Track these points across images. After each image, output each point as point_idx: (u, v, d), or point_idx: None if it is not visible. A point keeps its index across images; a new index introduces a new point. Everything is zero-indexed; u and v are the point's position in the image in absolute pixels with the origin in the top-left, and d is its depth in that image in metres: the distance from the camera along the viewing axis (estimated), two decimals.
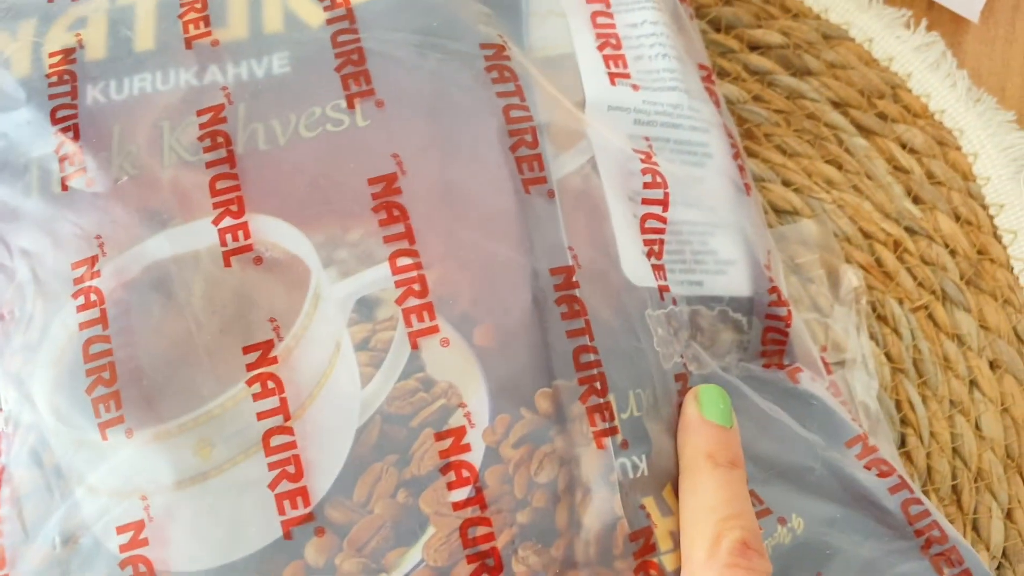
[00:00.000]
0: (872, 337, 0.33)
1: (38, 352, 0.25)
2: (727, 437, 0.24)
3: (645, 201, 0.27)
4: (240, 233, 0.24)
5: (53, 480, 0.24)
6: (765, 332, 0.29)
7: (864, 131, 0.36)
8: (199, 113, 0.26)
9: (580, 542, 0.23)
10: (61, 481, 0.24)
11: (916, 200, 0.35)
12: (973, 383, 0.33)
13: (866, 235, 0.34)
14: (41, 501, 0.24)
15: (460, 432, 0.23)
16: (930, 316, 0.34)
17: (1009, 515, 0.32)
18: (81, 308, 0.24)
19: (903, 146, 0.36)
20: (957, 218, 0.35)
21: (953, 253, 0.34)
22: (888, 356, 0.33)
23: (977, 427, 0.33)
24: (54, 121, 0.26)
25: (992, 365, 0.33)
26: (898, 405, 0.33)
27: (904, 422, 0.33)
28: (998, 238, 0.35)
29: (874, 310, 0.34)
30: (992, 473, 0.32)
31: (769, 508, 0.24)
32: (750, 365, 0.28)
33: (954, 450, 0.32)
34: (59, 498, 0.23)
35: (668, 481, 0.24)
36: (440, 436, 0.23)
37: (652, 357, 0.25)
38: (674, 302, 0.27)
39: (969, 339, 0.34)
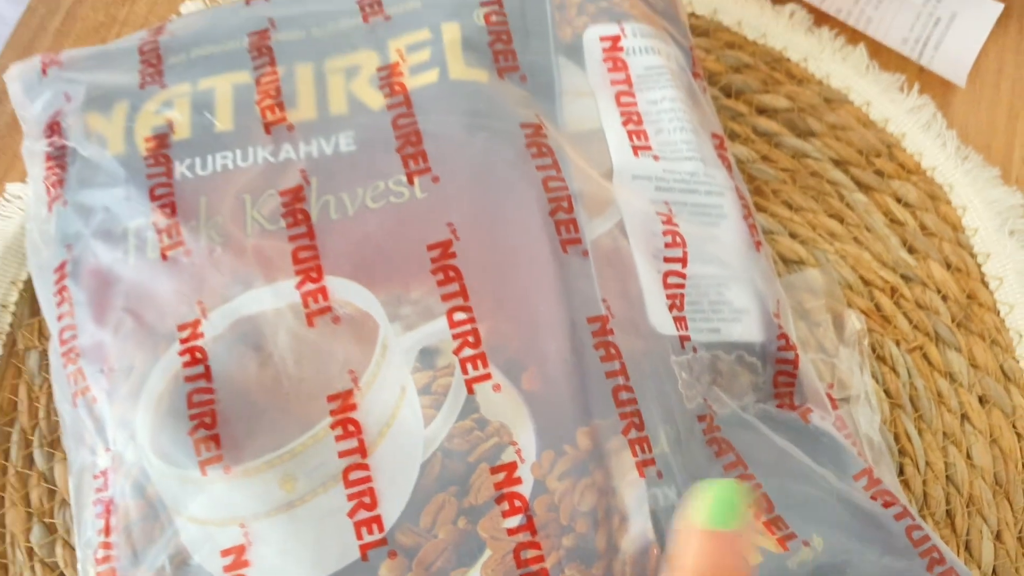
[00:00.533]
0: (873, 375, 0.36)
1: (138, 399, 0.28)
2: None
3: (667, 259, 0.31)
4: (320, 296, 0.28)
5: (157, 510, 0.27)
6: (776, 375, 0.32)
7: (863, 187, 0.39)
8: (281, 193, 0.29)
9: (618, 563, 0.26)
10: (164, 511, 0.27)
11: (911, 250, 0.39)
12: (964, 416, 0.36)
13: (866, 282, 0.38)
14: (147, 529, 0.27)
15: (512, 467, 0.27)
16: (924, 356, 0.37)
17: (999, 536, 0.35)
18: (187, 364, 0.28)
19: (898, 200, 0.39)
20: (948, 266, 0.38)
21: (945, 298, 0.38)
22: (887, 392, 0.36)
23: (968, 456, 0.36)
24: (153, 198, 0.30)
25: (981, 400, 0.37)
26: (896, 437, 0.36)
27: (902, 452, 0.36)
28: (986, 284, 0.38)
29: (874, 351, 0.37)
30: (983, 499, 0.35)
31: (794, 532, 0.27)
32: (766, 406, 0.32)
33: (948, 478, 0.36)
34: (164, 525, 0.27)
35: None
36: (495, 470, 0.27)
37: (676, 398, 0.29)
38: (694, 350, 0.30)
39: (960, 377, 0.37)
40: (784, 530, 0.27)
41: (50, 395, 0.35)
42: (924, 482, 0.35)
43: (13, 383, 0.35)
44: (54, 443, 0.34)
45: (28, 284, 0.36)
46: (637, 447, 0.27)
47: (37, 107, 0.33)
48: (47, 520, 0.33)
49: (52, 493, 0.34)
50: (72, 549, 0.33)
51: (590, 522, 0.26)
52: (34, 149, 0.33)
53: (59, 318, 0.30)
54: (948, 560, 0.28)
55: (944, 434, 0.36)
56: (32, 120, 0.33)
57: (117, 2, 0.41)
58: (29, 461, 0.34)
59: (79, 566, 0.29)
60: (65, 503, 0.33)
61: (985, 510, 0.35)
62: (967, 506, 0.35)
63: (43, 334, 0.36)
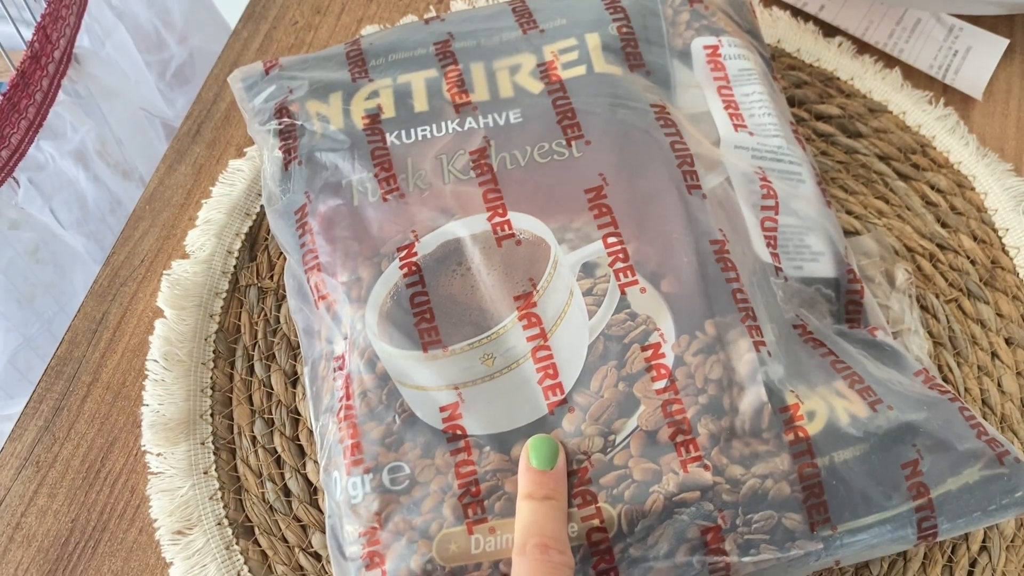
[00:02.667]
0: (919, 320, 0.45)
1: (366, 303, 0.37)
2: (544, 478, 0.33)
3: (763, 208, 0.40)
4: (505, 226, 0.37)
5: (386, 381, 0.36)
6: (847, 304, 0.41)
7: (903, 177, 0.49)
8: (470, 153, 0.39)
9: (738, 420, 0.35)
10: (390, 382, 0.36)
11: (944, 225, 0.48)
12: (994, 354, 0.45)
13: (909, 249, 0.47)
14: (378, 394, 0.36)
15: (657, 346, 0.35)
16: (959, 307, 0.46)
17: None
18: (406, 275, 0.37)
19: (932, 187, 0.48)
20: (975, 238, 0.47)
21: (973, 263, 0.47)
22: (930, 334, 0.45)
23: (999, 385, 0.44)
24: (373, 158, 0.39)
25: (1008, 342, 0.45)
26: (940, 369, 0.44)
27: (945, 380, 0.44)
28: (1006, 252, 0.47)
29: (918, 302, 0.46)
30: (1013, 417, 0.43)
31: (880, 398, 0.35)
32: (840, 327, 0.40)
33: (983, 401, 0.44)
34: (392, 391, 0.35)
35: (801, 382, 0.36)
36: (644, 348, 0.35)
37: (776, 307, 0.37)
38: (786, 279, 0.39)
39: (989, 323, 0.45)
40: (872, 397, 0.35)
41: (266, 321, 0.44)
42: None
43: (237, 311, 0.44)
44: (270, 357, 0.43)
45: (248, 236, 0.45)
46: (753, 332, 0.35)
47: (259, 100, 0.43)
48: (266, 416, 0.42)
49: (269, 395, 0.42)
50: (287, 438, 0.41)
51: (718, 387, 0.35)
52: (262, 130, 0.42)
53: (301, 245, 0.39)
54: (991, 432, 0.36)
55: (979, 367, 0.44)
56: (254, 110, 0.43)
57: (304, 29, 0.51)
58: (251, 371, 0.43)
59: (316, 430, 0.37)
60: (281, 403, 0.42)
61: (1016, 427, 0.43)
62: (1001, 424, 0.43)
63: (259, 274, 0.45)
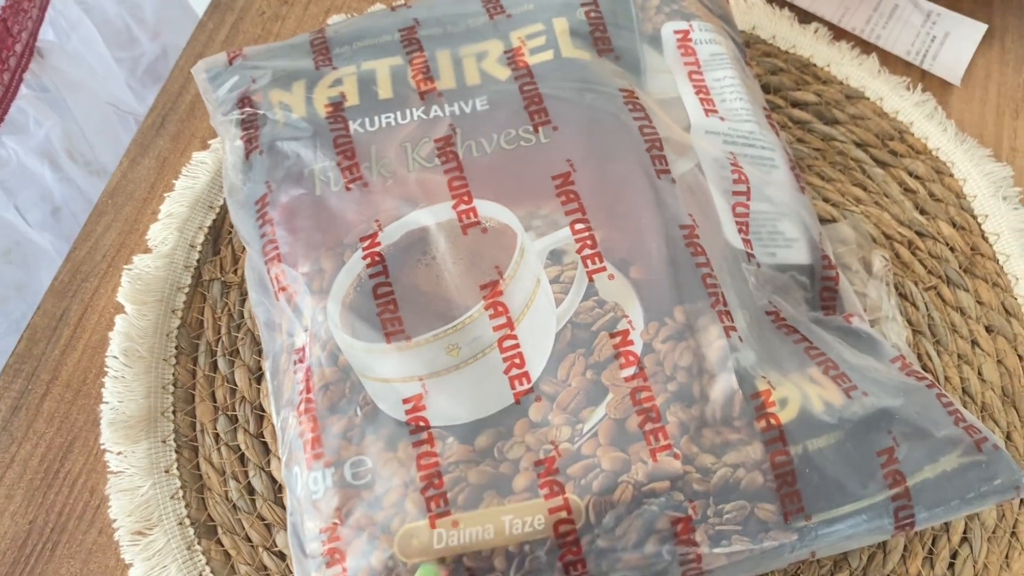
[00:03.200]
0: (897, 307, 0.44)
1: (328, 294, 0.36)
2: None
3: (735, 193, 0.39)
4: (471, 213, 0.36)
5: (348, 373, 0.35)
6: (822, 290, 0.40)
7: (880, 163, 0.48)
8: (435, 140, 0.38)
9: (709, 408, 0.34)
10: (353, 374, 0.35)
11: (922, 212, 0.47)
12: (974, 342, 0.44)
13: (887, 236, 0.46)
14: (340, 387, 0.35)
15: (625, 333, 0.34)
16: (939, 294, 0.45)
17: (1008, 437, 0.42)
18: (369, 265, 0.36)
19: (910, 174, 0.48)
20: (954, 225, 0.47)
21: (953, 249, 0.46)
22: (909, 321, 0.44)
23: (979, 374, 0.43)
24: (335, 146, 0.38)
25: (988, 329, 0.44)
26: (919, 357, 0.44)
27: (925, 369, 0.43)
28: (985, 239, 0.46)
29: (896, 290, 0.45)
30: (994, 406, 0.43)
31: (855, 384, 0.35)
32: (815, 314, 0.40)
33: (963, 390, 0.43)
34: (354, 384, 0.34)
35: (773, 368, 0.35)
36: (612, 335, 0.34)
37: (748, 294, 0.37)
38: (758, 265, 0.38)
39: (969, 311, 0.45)
40: (847, 383, 0.35)
41: (229, 316, 0.43)
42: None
43: (200, 306, 0.43)
44: (234, 353, 0.42)
45: (211, 229, 0.44)
46: (723, 317, 0.34)
47: (223, 90, 0.42)
48: (230, 413, 0.41)
49: (233, 392, 0.41)
50: (251, 435, 0.40)
51: (688, 374, 0.34)
52: (225, 120, 0.41)
53: (262, 236, 0.38)
54: (969, 419, 0.35)
55: (959, 355, 0.44)
56: (218, 100, 0.42)
57: (271, 19, 0.50)
58: (214, 367, 0.42)
59: (278, 425, 0.36)
60: (244, 400, 0.41)
61: (996, 415, 0.42)
62: (981, 412, 0.43)
63: (223, 268, 0.44)
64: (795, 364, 0.35)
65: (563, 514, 0.32)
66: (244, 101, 0.41)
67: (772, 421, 0.33)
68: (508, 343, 0.34)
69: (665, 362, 0.34)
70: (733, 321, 0.35)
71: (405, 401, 0.34)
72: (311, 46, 0.42)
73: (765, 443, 0.33)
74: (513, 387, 0.34)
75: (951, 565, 0.39)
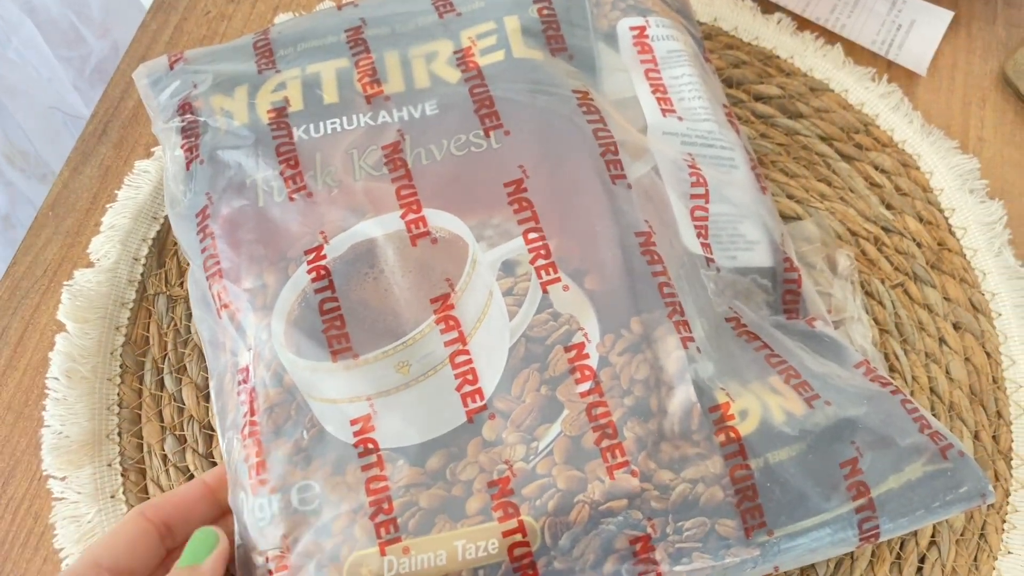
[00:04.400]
0: (863, 306, 0.43)
1: (272, 309, 0.35)
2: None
3: (693, 196, 0.38)
4: (420, 223, 0.35)
5: (293, 394, 0.33)
6: (784, 293, 0.39)
7: (846, 157, 0.47)
8: (382, 148, 0.37)
9: (667, 421, 0.33)
10: (298, 395, 0.33)
11: (888, 207, 0.46)
12: (942, 340, 0.43)
13: (852, 233, 0.45)
14: (285, 409, 0.33)
15: (580, 346, 0.33)
16: (906, 291, 0.44)
17: (977, 436, 0.41)
18: (314, 280, 0.34)
19: (876, 168, 0.47)
20: (921, 219, 0.46)
21: (920, 245, 0.45)
22: (875, 321, 0.43)
23: (947, 372, 0.43)
24: (278, 154, 0.37)
25: (955, 326, 0.44)
26: (886, 356, 0.43)
27: (892, 370, 0.43)
28: (953, 233, 0.46)
29: (862, 288, 0.44)
30: (962, 405, 0.42)
31: (817, 394, 0.34)
32: (777, 318, 0.39)
33: (931, 389, 0.42)
34: (300, 405, 0.33)
35: (733, 379, 0.34)
36: (567, 349, 0.33)
37: (707, 301, 0.36)
38: (718, 270, 0.37)
39: (936, 308, 0.44)
40: (809, 392, 0.34)
41: (176, 332, 0.41)
42: (911, 393, 0.42)
43: (145, 322, 0.41)
44: (181, 370, 0.41)
45: (155, 241, 0.43)
46: (680, 327, 0.33)
47: (164, 96, 0.40)
48: (178, 433, 0.39)
49: (181, 411, 0.40)
50: (200, 456, 0.39)
51: (645, 388, 0.33)
52: (166, 127, 0.40)
53: (203, 250, 0.36)
54: (934, 425, 0.35)
55: (926, 354, 0.43)
56: (159, 107, 0.40)
57: (217, 19, 0.48)
58: (160, 385, 0.40)
59: (223, 447, 0.35)
60: (193, 419, 0.39)
61: (964, 415, 0.42)
62: (949, 412, 0.42)
63: (168, 282, 0.42)
64: (755, 373, 0.34)
65: (518, 537, 0.31)
66: (185, 107, 0.39)
67: (732, 434, 0.32)
68: (460, 359, 0.33)
69: (622, 375, 0.33)
70: (691, 331, 0.34)
71: (353, 422, 0.33)
72: (254, 48, 0.41)
73: (725, 457, 0.32)
74: (466, 404, 0.33)
75: (919, 569, 0.39)
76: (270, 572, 0.32)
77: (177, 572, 0.31)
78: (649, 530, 0.31)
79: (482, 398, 0.33)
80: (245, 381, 0.34)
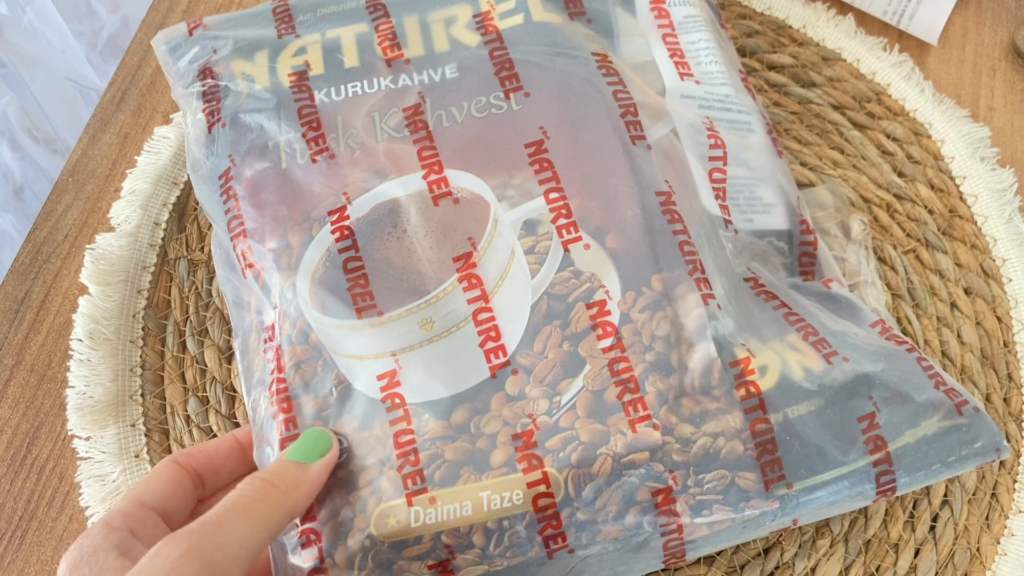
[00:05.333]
0: (876, 271, 0.44)
1: (296, 270, 0.35)
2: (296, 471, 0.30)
3: (712, 159, 0.38)
4: (442, 184, 0.35)
5: (320, 351, 0.34)
6: (801, 256, 0.39)
7: (858, 126, 0.47)
8: (403, 110, 0.37)
9: (688, 377, 0.33)
10: (325, 351, 0.34)
11: (900, 175, 0.46)
12: (953, 305, 0.44)
13: (865, 200, 0.46)
14: (312, 365, 0.34)
15: (602, 303, 0.34)
16: (918, 257, 0.45)
17: (988, 399, 0.42)
18: (338, 240, 0.35)
19: (888, 136, 0.47)
20: (932, 187, 0.46)
21: (931, 212, 0.46)
22: (888, 286, 0.44)
23: (959, 336, 0.43)
24: (300, 117, 0.37)
25: (967, 291, 0.44)
26: (899, 321, 0.43)
27: (904, 333, 0.43)
28: (964, 200, 0.46)
29: (875, 253, 0.45)
30: (973, 368, 0.42)
31: (836, 350, 0.34)
32: (794, 279, 0.39)
33: (943, 353, 0.43)
34: (327, 361, 0.34)
35: (752, 336, 0.34)
36: (589, 306, 0.34)
37: (726, 260, 0.36)
38: (736, 232, 0.38)
39: (948, 273, 0.44)
40: (827, 349, 0.34)
41: (197, 295, 0.42)
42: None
43: (167, 285, 0.42)
44: (203, 333, 0.41)
45: (175, 206, 0.43)
46: (701, 285, 0.34)
47: (184, 62, 0.41)
48: (200, 394, 0.40)
49: (203, 372, 0.40)
50: (223, 416, 0.39)
51: (666, 343, 0.33)
52: (186, 93, 0.40)
53: (226, 212, 0.37)
54: (949, 382, 0.35)
55: (938, 318, 0.43)
56: (178, 72, 0.41)
57: None
58: (182, 347, 0.41)
59: (249, 405, 0.35)
60: (215, 380, 0.40)
61: (975, 377, 0.42)
62: (960, 375, 0.42)
63: (189, 246, 0.42)
64: (774, 331, 0.35)
65: (542, 488, 0.32)
66: (205, 73, 0.40)
67: (752, 389, 0.33)
68: (483, 316, 0.34)
69: (643, 332, 0.33)
70: (711, 289, 0.34)
71: (379, 378, 0.33)
72: (273, 14, 0.41)
73: (745, 411, 0.32)
74: (489, 360, 0.33)
75: (932, 528, 0.39)
76: (297, 525, 0.32)
77: (284, 464, 0.30)
78: (670, 482, 0.32)
79: (505, 354, 0.33)
80: (271, 339, 0.35)
